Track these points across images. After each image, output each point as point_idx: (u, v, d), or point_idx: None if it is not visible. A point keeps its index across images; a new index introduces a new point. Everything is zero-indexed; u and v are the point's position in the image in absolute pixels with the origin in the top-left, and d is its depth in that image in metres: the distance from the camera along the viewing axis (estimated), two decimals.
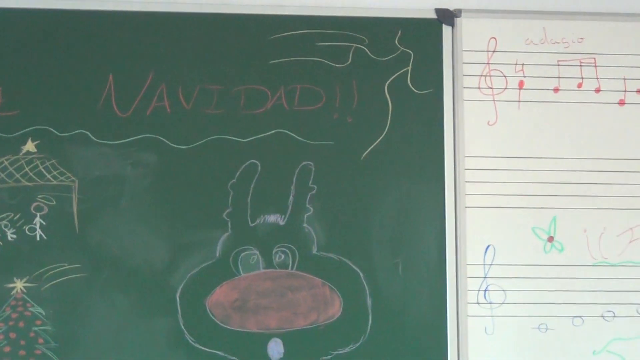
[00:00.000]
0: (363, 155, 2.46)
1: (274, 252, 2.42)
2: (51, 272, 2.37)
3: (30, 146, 2.41)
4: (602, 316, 2.47)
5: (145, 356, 2.38)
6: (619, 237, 2.49)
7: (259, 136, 2.44)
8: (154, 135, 2.43)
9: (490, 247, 2.46)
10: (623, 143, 2.52)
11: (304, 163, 2.44)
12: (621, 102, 2.53)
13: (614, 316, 2.47)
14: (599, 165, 2.51)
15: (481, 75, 2.50)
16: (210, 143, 2.43)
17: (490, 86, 2.50)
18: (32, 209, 2.39)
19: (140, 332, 2.38)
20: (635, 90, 2.53)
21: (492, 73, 2.51)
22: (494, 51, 2.51)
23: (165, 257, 2.40)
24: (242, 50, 2.47)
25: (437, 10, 2.51)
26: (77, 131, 2.41)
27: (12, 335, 2.36)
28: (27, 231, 2.38)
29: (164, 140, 2.42)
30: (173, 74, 2.45)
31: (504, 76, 2.51)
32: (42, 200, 2.39)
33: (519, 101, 2.50)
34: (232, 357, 2.39)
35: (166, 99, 2.44)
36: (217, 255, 2.40)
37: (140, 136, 2.42)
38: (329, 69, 2.47)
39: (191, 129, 2.43)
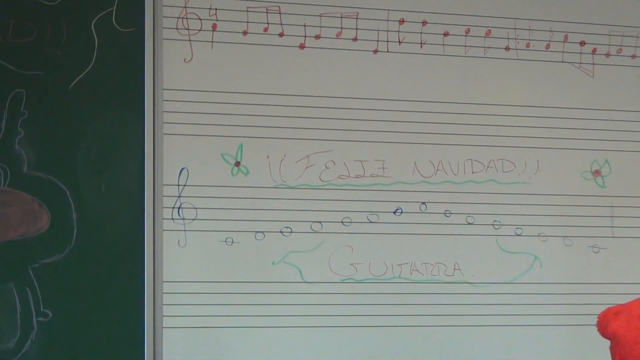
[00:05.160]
0: (71, 86, 2.69)
1: None
2: None
3: None
4: (281, 232, 2.77)
5: None
6: (297, 163, 2.79)
7: None
8: None
9: (185, 170, 2.72)
10: (303, 83, 2.80)
11: (16, 90, 2.66)
12: (302, 46, 2.82)
13: (291, 232, 2.78)
14: (284, 101, 2.79)
15: (179, 18, 2.74)
16: None
17: (187, 27, 2.75)
18: None
19: None
20: (314, 35, 2.83)
21: (189, 16, 2.75)
22: None
23: None
24: None
25: None
26: None
27: None
28: None
29: None
30: None
31: (199, 19, 2.76)
32: None
33: (212, 42, 2.77)
34: None
35: None
36: None
37: None
38: (40, 6, 2.68)
39: None
